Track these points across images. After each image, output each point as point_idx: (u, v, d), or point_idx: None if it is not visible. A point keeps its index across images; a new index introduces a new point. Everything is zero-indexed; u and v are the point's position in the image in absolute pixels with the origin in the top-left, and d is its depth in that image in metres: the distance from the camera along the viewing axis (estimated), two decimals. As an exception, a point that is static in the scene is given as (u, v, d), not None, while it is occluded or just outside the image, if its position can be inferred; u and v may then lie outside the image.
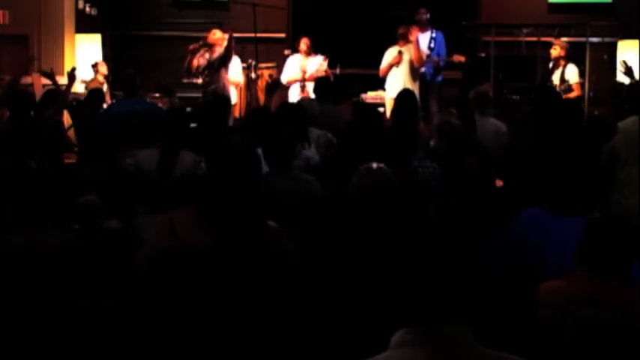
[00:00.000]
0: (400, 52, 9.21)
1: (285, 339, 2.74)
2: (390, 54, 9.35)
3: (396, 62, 9.23)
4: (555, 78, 9.27)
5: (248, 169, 2.82)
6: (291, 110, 5.58)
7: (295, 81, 9.25)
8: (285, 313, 2.78)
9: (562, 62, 9.23)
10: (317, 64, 9.27)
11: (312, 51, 9.37)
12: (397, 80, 9.22)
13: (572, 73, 9.18)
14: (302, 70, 9.24)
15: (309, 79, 9.00)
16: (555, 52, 9.27)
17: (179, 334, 2.65)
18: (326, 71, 9.27)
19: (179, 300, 2.67)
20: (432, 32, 9.69)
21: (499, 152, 6.12)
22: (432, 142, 5.38)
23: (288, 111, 5.56)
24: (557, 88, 9.03)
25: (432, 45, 9.68)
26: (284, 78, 9.47)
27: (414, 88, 9.07)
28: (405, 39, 9.33)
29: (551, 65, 9.43)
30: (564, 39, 9.77)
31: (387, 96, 9.39)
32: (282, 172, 4.24)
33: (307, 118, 5.43)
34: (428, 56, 9.55)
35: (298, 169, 4.47)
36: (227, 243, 2.73)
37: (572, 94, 9.05)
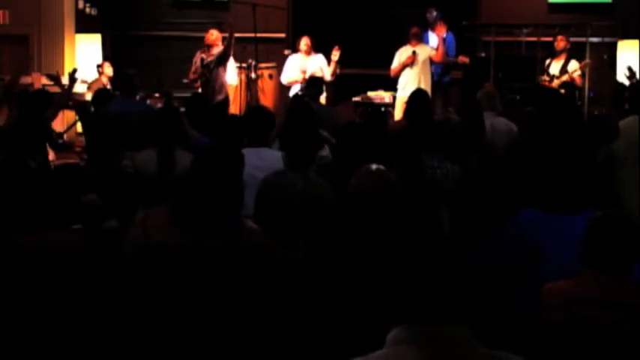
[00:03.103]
0: (414, 52, 9.22)
1: (267, 337, 2.77)
2: (402, 54, 9.34)
3: (410, 62, 9.23)
4: (555, 69, 9.31)
5: (220, 170, 2.86)
6: (303, 109, 5.59)
7: (295, 82, 9.20)
8: (260, 309, 2.79)
9: (564, 55, 9.29)
10: (317, 63, 9.21)
11: (313, 50, 9.32)
12: (411, 80, 9.20)
13: (574, 66, 9.31)
14: (302, 70, 9.18)
15: None
16: (563, 43, 9.35)
17: (150, 329, 2.71)
18: (335, 63, 9.20)
19: (151, 295, 2.73)
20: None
21: (512, 151, 6.10)
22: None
23: (300, 110, 5.57)
24: (557, 79, 9.12)
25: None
26: (284, 79, 9.40)
27: (427, 88, 9.09)
28: (417, 38, 9.34)
29: (548, 61, 9.46)
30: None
31: (400, 95, 9.36)
32: (294, 171, 4.19)
33: (315, 118, 5.41)
34: None
35: (312, 171, 4.46)
36: (195, 241, 2.78)
37: (576, 84, 9.23)
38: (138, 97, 7.44)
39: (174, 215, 2.85)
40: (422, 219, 3.63)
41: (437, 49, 9.33)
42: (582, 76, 9.38)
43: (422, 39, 9.47)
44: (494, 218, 4.07)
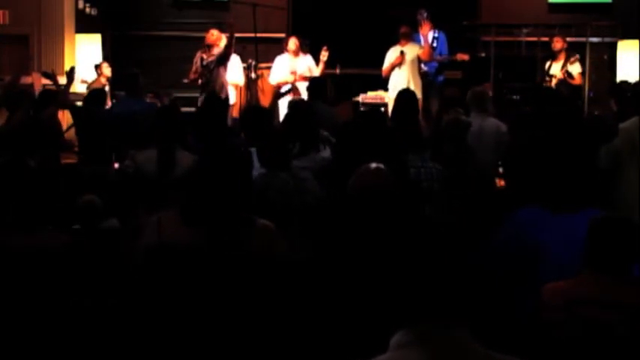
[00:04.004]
0: (402, 53, 9.20)
1: (276, 337, 2.76)
2: (392, 54, 9.33)
3: (399, 62, 9.22)
4: (556, 69, 9.31)
5: (231, 169, 2.87)
6: (300, 110, 5.59)
7: (286, 82, 9.11)
8: (272, 309, 2.79)
9: (563, 55, 9.30)
10: (306, 64, 9.16)
11: (302, 50, 9.23)
12: (400, 80, 9.20)
13: (575, 64, 9.30)
14: (291, 71, 9.08)
15: (300, 79, 8.93)
16: (559, 44, 9.40)
17: (163, 330, 2.69)
18: (324, 63, 9.18)
19: (164, 296, 2.72)
20: (434, 32, 9.69)
21: (500, 151, 6.13)
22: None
23: (296, 111, 5.57)
24: (556, 78, 9.13)
25: (435, 44, 9.69)
26: (273, 79, 9.27)
27: (417, 87, 9.06)
28: (406, 38, 9.32)
29: (548, 63, 9.46)
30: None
31: (391, 96, 9.37)
32: (280, 170, 4.25)
33: (315, 118, 5.42)
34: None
35: (311, 170, 4.48)
36: (209, 241, 2.78)
37: (574, 82, 9.25)
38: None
39: (188, 216, 2.84)
40: (422, 220, 3.61)
41: (423, 48, 9.30)
42: (583, 74, 9.38)
43: (412, 38, 9.42)
44: (490, 217, 4.08)
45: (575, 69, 9.27)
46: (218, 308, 2.74)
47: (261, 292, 2.79)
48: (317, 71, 9.08)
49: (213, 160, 2.91)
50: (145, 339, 2.73)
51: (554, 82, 9.24)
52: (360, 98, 10.09)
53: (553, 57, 9.47)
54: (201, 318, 2.74)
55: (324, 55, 9.09)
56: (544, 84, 9.31)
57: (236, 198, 2.87)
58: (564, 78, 9.20)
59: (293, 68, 9.07)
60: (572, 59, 9.30)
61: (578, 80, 9.32)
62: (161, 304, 2.76)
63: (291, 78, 9.03)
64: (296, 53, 9.13)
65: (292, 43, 9.17)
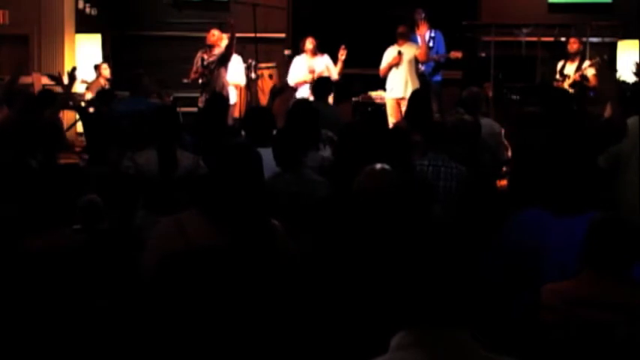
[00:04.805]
0: (400, 53, 9.20)
1: (288, 339, 2.75)
2: (389, 54, 9.32)
3: (396, 62, 9.21)
4: (571, 70, 9.31)
5: (250, 168, 2.86)
6: (303, 110, 5.59)
7: (304, 82, 9.08)
8: (290, 312, 2.79)
9: (578, 57, 9.35)
10: (324, 63, 9.17)
11: (318, 51, 9.26)
12: (398, 80, 9.20)
13: (587, 65, 9.33)
14: (310, 70, 9.07)
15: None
16: (577, 45, 9.45)
17: (192, 336, 2.66)
18: (342, 62, 9.18)
19: (193, 302, 2.68)
20: (430, 32, 9.69)
21: (496, 152, 6.14)
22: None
23: (299, 111, 5.57)
24: (570, 79, 9.13)
25: (432, 44, 9.70)
26: (291, 80, 9.28)
27: (415, 87, 9.05)
28: (404, 38, 9.31)
29: (561, 63, 9.45)
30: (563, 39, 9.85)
31: (388, 96, 9.38)
32: (290, 172, 4.23)
33: (318, 118, 5.42)
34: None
35: (311, 170, 4.47)
36: (239, 242, 2.76)
37: (589, 84, 9.27)
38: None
39: (212, 217, 2.80)
40: (424, 220, 3.61)
41: (420, 48, 9.30)
42: (595, 75, 9.38)
43: (409, 38, 9.41)
44: (492, 218, 4.08)
45: (590, 71, 9.26)
46: (249, 307, 2.71)
47: (283, 292, 2.78)
48: (335, 70, 9.10)
49: (235, 158, 2.88)
50: (166, 343, 2.69)
51: (567, 82, 9.23)
52: (361, 98, 10.09)
53: (567, 57, 9.47)
54: (233, 318, 2.70)
55: (342, 54, 9.13)
56: (555, 84, 9.29)
57: (257, 197, 2.86)
58: (580, 80, 9.19)
59: (311, 67, 9.07)
60: (592, 61, 9.30)
61: (593, 82, 9.30)
62: (187, 307, 2.71)
63: (309, 77, 9.02)
64: (313, 53, 9.14)
65: (309, 42, 9.18)
